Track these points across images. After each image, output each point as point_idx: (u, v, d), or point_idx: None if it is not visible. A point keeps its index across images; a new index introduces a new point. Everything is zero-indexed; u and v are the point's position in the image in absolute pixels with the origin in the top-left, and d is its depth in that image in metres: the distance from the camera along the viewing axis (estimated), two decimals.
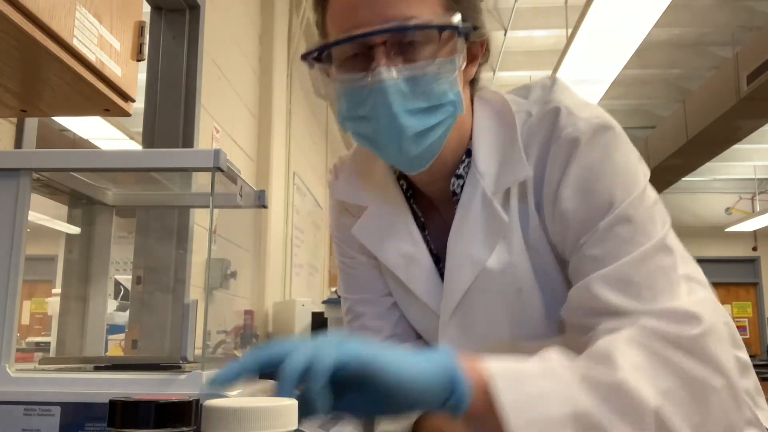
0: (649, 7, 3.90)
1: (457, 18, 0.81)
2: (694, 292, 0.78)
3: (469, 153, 0.90)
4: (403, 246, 0.94)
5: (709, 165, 7.19)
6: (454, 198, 0.91)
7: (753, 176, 8.92)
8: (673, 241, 0.82)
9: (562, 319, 0.84)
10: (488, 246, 0.87)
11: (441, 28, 0.80)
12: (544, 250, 0.86)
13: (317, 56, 0.84)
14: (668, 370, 0.69)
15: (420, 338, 1.02)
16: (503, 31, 5.36)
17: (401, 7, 0.79)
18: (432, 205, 0.96)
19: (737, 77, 5.18)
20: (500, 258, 0.87)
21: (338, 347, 0.61)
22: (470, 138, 0.91)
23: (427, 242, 0.95)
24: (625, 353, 0.69)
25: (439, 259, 0.94)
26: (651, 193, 0.83)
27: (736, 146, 6.43)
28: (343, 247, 1.04)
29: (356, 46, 0.81)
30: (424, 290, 0.94)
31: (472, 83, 0.92)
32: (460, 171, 0.90)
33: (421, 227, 0.96)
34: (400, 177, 0.97)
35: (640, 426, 0.65)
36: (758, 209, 9.06)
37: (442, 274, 0.93)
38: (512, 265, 0.87)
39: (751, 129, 5.84)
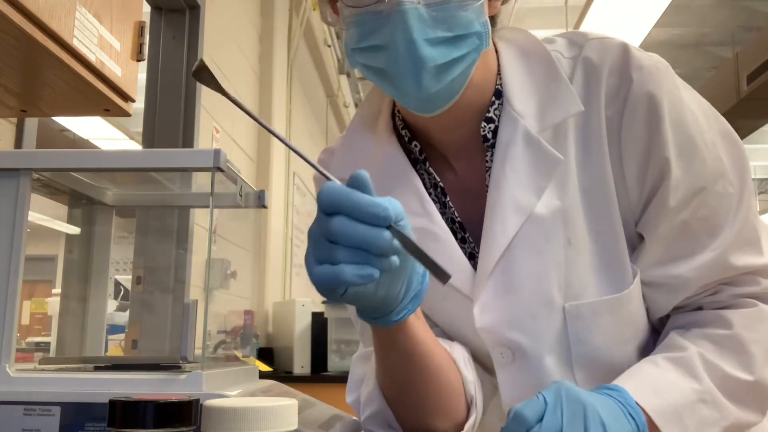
0: (649, 7, 3.90)
1: None
2: None
3: (498, 94, 0.82)
4: (415, 220, 0.81)
5: None
6: (485, 144, 0.82)
7: (753, 176, 8.91)
8: None
9: (614, 276, 0.79)
10: (537, 189, 0.78)
11: None
12: (605, 199, 0.78)
13: None
14: None
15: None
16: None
17: None
18: (449, 166, 0.85)
19: (737, 77, 5.17)
20: (550, 203, 0.78)
21: None
22: (497, 77, 0.82)
23: (446, 211, 0.84)
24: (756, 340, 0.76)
25: (463, 227, 0.84)
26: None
27: None
28: None
29: None
30: (448, 269, 0.85)
31: (493, 21, 0.82)
32: (491, 114, 0.81)
33: (440, 193, 0.85)
34: (411, 139, 0.86)
35: None
36: (758, 209, 9.06)
37: (467, 246, 0.84)
38: (564, 211, 0.78)
39: (751, 129, 5.83)
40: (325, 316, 3.06)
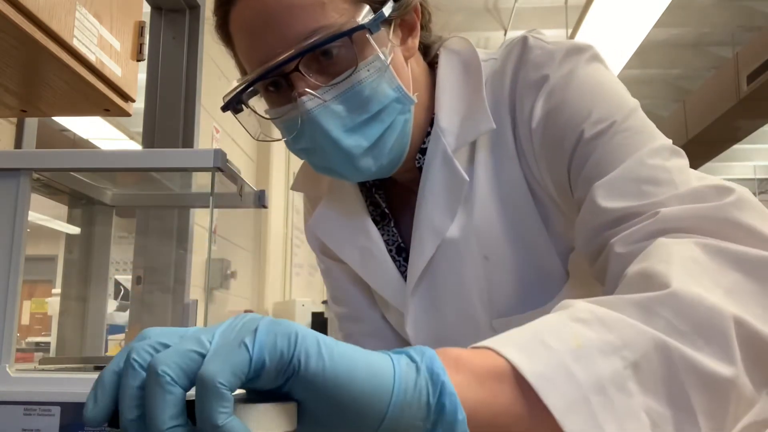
0: (649, 7, 3.90)
1: (363, 12, 0.70)
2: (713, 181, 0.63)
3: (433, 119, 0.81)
4: (357, 238, 0.86)
5: (708, 165, 7.19)
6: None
7: (753, 176, 8.92)
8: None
9: (540, 287, 0.76)
10: (450, 211, 0.78)
11: (349, 33, 0.69)
12: (524, 209, 0.76)
13: (239, 102, 0.77)
14: (721, 261, 0.53)
15: None
16: (503, 31, 5.36)
17: (303, 21, 0.69)
18: (409, 190, 0.85)
19: (737, 77, 5.17)
20: (462, 224, 0.78)
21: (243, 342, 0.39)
22: (433, 99, 0.81)
23: (392, 234, 0.87)
24: (659, 259, 0.53)
25: (406, 250, 0.86)
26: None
27: (736, 146, 6.43)
28: (315, 251, 0.98)
29: (271, 78, 0.72)
30: (382, 284, 0.86)
31: (427, 48, 0.83)
32: (425, 144, 0.81)
33: (386, 218, 0.87)
34: None
35: (726, 344, 0.48)
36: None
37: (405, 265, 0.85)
38: (477, 229, 0.77)
39: (751, 129, 5.84)
40: (325, 316, 3.07)
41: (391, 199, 0.89)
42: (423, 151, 0.82)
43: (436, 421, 0.42)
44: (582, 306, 0.51)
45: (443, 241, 0.79)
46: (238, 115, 0.79)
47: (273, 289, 3.63)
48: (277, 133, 0.80)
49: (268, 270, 3.52)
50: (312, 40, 0.69)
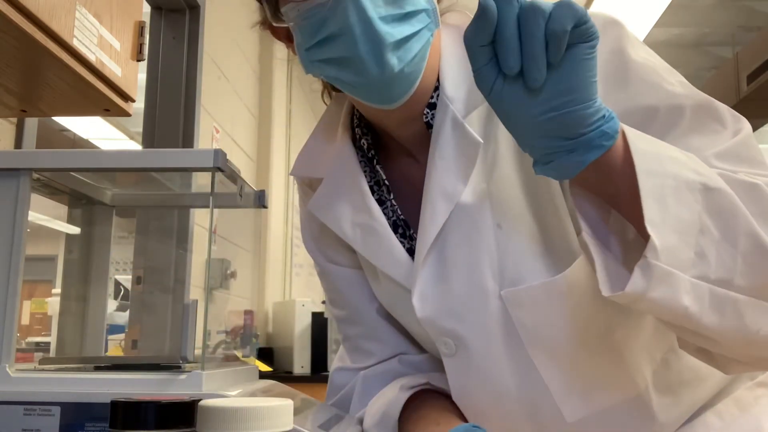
0: (649, 7, 3.90)
1: None
2: None
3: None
4: (358, 215, 0.84)
5: None
6: (429, 132, 0.81)
7: None
8: None
9: (554, 257, 0.74)
10: (463, 176, 0.76)
11: None
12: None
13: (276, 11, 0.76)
14: None
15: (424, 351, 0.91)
16: None
17: None
18: (414, 161, 0.85)
19: (737, 77, 5.17)
20: (477, 188, 0.76)
21: None
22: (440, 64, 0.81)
23: (392, 208, 0.85)
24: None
25: (407, 224, 0.85)
26: None
27: None
28: (311, 252, 0.97)
29: None
30: (386, 261, 0.83)
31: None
32: (434, 99, 0.80)
33: (385, 192, 0.86)
34: (362, 136, 0.86)
35: None
36: None
37: (407, 241, 0.84)
38: (492, 195, 0.76)
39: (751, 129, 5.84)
40: (325, 316, 3.07)
41: (390, 173, 0.87)
42: (431, 106, 0.80)
43: None
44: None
45: (456, 206, 0.76)
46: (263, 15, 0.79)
47: (273, 289, 3.63)
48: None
49: (268, 270, 3.52)
50: None
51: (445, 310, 0.79)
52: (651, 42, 4.96)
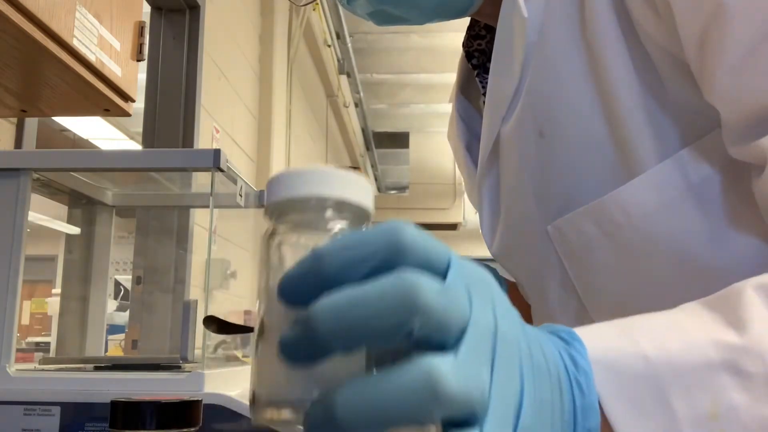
0: None
1: None
2: None
3: None
4: (462, 136, 0.73)
5: None
6: None
7: None
8: None
9: (609, 171, 0.52)
10: (510, 69, 0.58)
11: None
12: (612, 53, 0.51)
13: None
14: None
15: None
16: None
17: None
18: None
19: None
20: (519, 84, 0.58)
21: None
22: None
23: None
24: None
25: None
26: None
27: None
28: None
29: None
30: (467, 184, 0.74)
31: None
32: None
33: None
34: (469, 55, 0.73)
35: None
36: None
37: None
38: (533, 93, 0.57)
39: None
40: None
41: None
42: None
43: None
44: (757, 334, 0.32)
45: (511, 104, 0.59)
46: None
47: None
48: None
49: None
50: None
51: (502, 247, 0.67)
52: None
